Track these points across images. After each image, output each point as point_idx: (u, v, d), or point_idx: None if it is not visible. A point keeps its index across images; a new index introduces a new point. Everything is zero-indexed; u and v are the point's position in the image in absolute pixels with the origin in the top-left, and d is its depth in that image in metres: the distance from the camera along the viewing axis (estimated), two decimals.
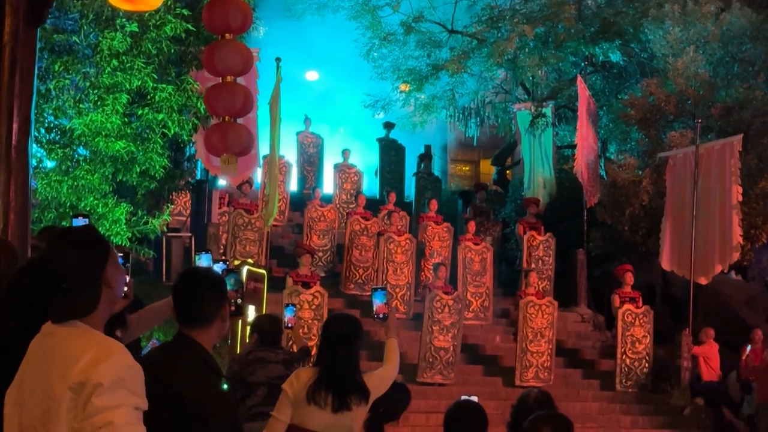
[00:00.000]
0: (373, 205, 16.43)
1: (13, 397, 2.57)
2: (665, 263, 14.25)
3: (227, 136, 7.00)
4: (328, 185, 18.75)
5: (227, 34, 7.05)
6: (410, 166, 20.21)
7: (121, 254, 3.06)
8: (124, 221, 10.19)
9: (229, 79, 7.02)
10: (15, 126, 4.98)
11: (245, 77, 11.71)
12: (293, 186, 18.48)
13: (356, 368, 4.53)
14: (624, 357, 13.65)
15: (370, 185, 20.13)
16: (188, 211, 14.79)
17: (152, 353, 3.65)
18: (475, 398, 4.62)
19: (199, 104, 10.39)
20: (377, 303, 5.02)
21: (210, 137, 7.27)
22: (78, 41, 10.11)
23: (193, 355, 3.20)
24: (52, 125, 10.28)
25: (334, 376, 4.46)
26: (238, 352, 10.24)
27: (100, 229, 9.52)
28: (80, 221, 4.29)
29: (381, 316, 4.98)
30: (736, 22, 15.38)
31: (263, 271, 11.94)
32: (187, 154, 12.77)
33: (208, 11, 7.11)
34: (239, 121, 7.84)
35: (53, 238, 2.81)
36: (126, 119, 10.29)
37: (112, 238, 9.77)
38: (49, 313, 2.58)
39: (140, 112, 10.32)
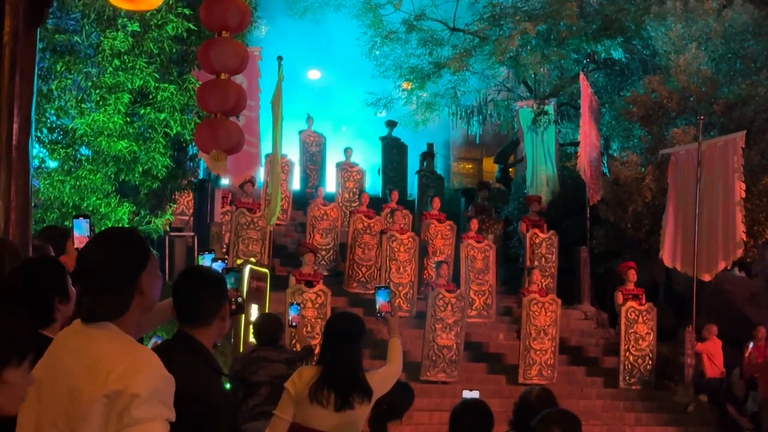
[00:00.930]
0: (376, 204, 16.43)
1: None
2: (666, 260, 14.22)
3: (217, 133, 6.96)
4: (330, 184, 18.74)
5: (224, 32, 7.02)
6: (413, 164, 20.19)
7: None
8: (126, 221, 10.19)
9: (223, 76, 6.98)
10: (15, 126, 4.98)
11: (247, 76, 11.70)
12: (296, 185, 18.49)
13: (359, 366, 4.53)
14: (627, 354, 13.62)
15: (373, 183, 20.14)
16: (191, 211, 14.78)
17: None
18: (476, 393, 4.62)
19: None
20: (380, 301, 5.01)
21: (200, 133, 7.24)
22: (80, 41, 10.10)
23: (194, 354, 3.19)
24: (54, 125, 10.28)
25: (336, 375, 4.45)
26: (240, 350, 10.24)
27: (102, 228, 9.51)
28: (81, 221, 4.28)
29: (383, 314, 4.98)
30: (738, 19, 15.35)
31: (266, 270, 11.94)
32: (190, 153, 12.75)
33: (206, 9, 7.08)
34: (241, 119, 7.82)
35: (96, 236, 2.79)
36: (128, 119, 10.28)
37: None
38: (79, 311, 2.60)
39: (142, 111, 10.31)
